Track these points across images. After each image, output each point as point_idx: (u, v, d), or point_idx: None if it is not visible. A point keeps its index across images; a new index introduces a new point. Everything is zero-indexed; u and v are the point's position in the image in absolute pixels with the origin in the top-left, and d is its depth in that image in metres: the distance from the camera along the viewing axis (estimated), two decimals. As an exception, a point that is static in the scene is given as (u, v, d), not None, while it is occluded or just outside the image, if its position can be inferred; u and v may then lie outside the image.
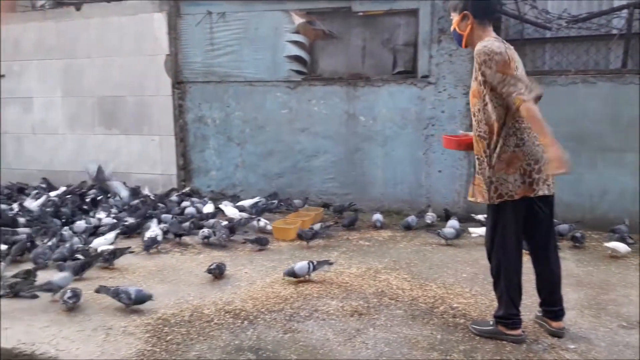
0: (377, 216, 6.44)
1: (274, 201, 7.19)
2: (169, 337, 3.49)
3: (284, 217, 6.71)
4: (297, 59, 7.52)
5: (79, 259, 4.90)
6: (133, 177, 8.37)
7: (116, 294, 3.92)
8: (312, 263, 4.56)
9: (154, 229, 5.59)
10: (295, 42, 7.46)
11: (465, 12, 3.37)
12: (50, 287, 4.10)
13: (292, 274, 4.52)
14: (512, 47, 3.30)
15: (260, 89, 7.71)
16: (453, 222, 6.00)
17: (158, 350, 3.31)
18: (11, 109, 8.95)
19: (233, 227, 5.99)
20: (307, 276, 4.56)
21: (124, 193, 7.56)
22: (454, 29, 3.48)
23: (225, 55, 7.79)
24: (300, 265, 4.54)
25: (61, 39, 8.50)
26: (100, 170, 7.81)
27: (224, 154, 8.03)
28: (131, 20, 8.07)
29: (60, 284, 4.10)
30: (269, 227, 6.18)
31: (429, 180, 7.00)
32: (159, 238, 5.47)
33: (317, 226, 5.96)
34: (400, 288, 4.40)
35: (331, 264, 4.79)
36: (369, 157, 7.23)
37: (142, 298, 3.91)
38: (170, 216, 6.46)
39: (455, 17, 3.46)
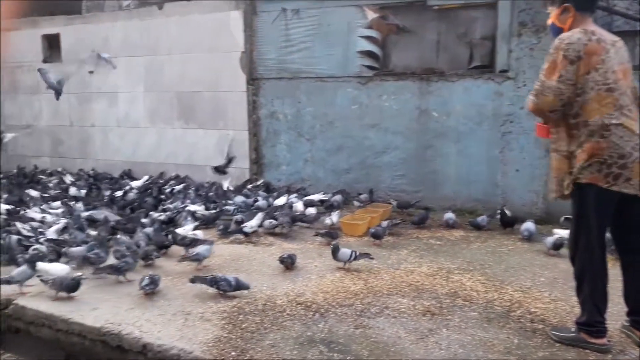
0: (449, 215, 6.28)
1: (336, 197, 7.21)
2: (243, 325, 3.60)
3: (352, 212, 6.70)
4: (369, 54, 7.47)
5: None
6: (209, 170, 8.67)
7: (214, 282, 4.08)
8: (355, 253, 4.75)
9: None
10: (368, 37, 7.42)
11: (566, 4, 3.21)
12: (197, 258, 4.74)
13: (335, 258, 4.78)
14: (609, 40, 3.12)
15: (331, 84, 7.74)
16: (528, 225, 5.76)
17: (234, 337, 3.42)
18: (99, 103, 9.55)
19: (294, 218, 6.15)
20: (347, 264, 4.78)
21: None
22: (552, 22, 3.33)
23: (298, 52, 7.88)
24: (343, 251, 4.76)
25: (144, 36, 8.95)
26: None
27: (294, 149, 8.15)
28: (209, 18, 8.36)
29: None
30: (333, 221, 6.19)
31: (505, 179, 6.74)
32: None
33: (384, 223, 5.91)
34: (475, 290, 4.27)
35: (372, 258, 4.86)
36: (441, 154, 7.07)
37: (242, 286, 4.11)
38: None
39: (553, 11, 3.31)
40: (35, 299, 4.08)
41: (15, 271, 4.27)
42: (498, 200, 6.77)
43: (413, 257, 5.14)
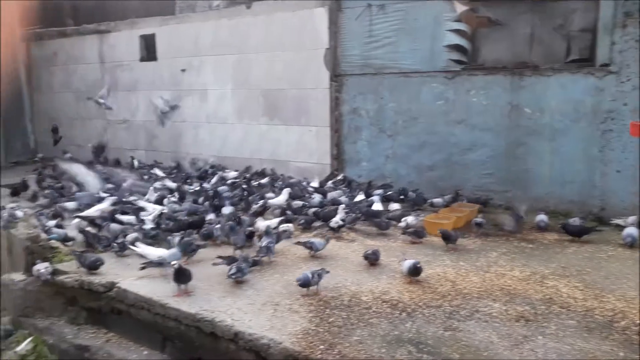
0: (542, 217, 5.95)
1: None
2: (330, 319, 3.63)
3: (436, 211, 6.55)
4: (457, 48, 7.24)
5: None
6: (291, 165, 8.85)
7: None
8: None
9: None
10: (456, 31, 7.19)
11: None
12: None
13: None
14: None
15: (415, 79, 7.59)
16: (631, 230, 5.33)
17: (321, 330, 3.46)
18: (190, 100, 10.02)
19: (373, 214, 6.16)
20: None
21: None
22: None
23: (383, 47, 7.80)
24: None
25: (233, 35, 9.26)
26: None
27: (376, 145, 8.09)
28: (294, 15, 8.49)
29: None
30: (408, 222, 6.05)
31: (604, 180, 6.28)
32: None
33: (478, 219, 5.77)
34: (572, 297, 4.02)
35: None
36: (534, 152, 6.72)
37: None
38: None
39: None
40: (136, 283, 4.35)
41: (167, 253, 4.55)
42: (595, 202, 6.33)
43: (504, 260, 4.93)
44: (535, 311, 3.76)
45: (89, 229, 5.52)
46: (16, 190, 7.94)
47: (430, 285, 4.29)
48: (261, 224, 5.79)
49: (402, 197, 7.12)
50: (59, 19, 12.54)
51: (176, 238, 5.09)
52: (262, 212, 6.40)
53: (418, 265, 4.31)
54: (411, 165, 7.74)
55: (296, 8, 8.46)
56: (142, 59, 10.50)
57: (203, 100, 9.85)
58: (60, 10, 12.94)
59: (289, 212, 6.45)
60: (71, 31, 11.65)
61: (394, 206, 6.67)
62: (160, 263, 4.44)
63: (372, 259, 4.71)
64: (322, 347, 3.25)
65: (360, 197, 7.04)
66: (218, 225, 5.56)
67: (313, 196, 7.12)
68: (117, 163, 10.30)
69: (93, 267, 4.59)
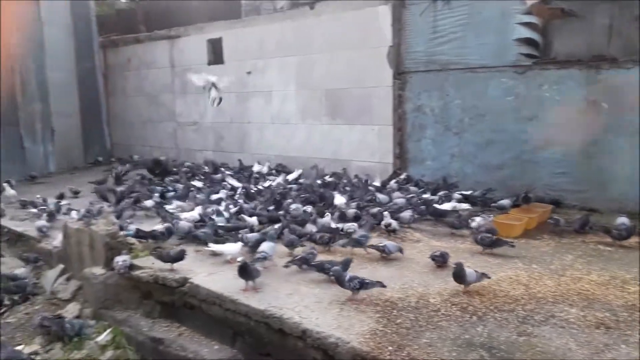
0: (622, 219, 5.58)
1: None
2: (398, 321, 3.59)
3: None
4: (527, 41, 6.96)
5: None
6: (353, 165, 8.84)
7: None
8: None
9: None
10: (527, 24, 6.91)
11: None
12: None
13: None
14: None
15: (482, 75, 7.37)
16: None
17: (389, 331, 3.43)
18: (255, 102, 10.25)
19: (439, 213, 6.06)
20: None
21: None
22: None
23: (448, 43, 7.63)
24: (470, 272, 4.12)
25: (297, 36, 9.38)
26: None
27: (441, 144, 7.92)
28: (357, 14, 8.47)
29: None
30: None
31: (691, 179, 5.83)
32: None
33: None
34: (658, 304, 3.76)
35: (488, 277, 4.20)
36: (613, 150, 6.33)
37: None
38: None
39: None
40: (207, 279, 4.50)
41: (265, 246, 4.72)
42: (684, 203, 5.88)
43: (580, 264, 4.68)
44: (617, 318, 3.55)
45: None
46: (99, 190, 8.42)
47: (501, 289, 4.14)
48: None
49: (466, 197, 6.92)
50: (133, 26, 13.23)
51: (271, 231, 5.26)
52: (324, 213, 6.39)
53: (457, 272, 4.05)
54: (478, 164, 7.53)
55: (359, 7, 8.44)
56: (210, 63, 10.86)
57: (267, 101, 10.04)
58: (134, 17, 13.65)
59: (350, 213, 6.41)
60: (144, 37, 12.25)
61: (462, 206, 6.49)
62: (264, 258, 4.58)
63: (439, 261, 4.61)
64: (390, 348, 3.22)
65: (429, 196, 6.93)
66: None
67: (378, 196, 7.06)
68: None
69: (178, 258, 4.76)
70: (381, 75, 8.32)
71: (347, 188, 7.66)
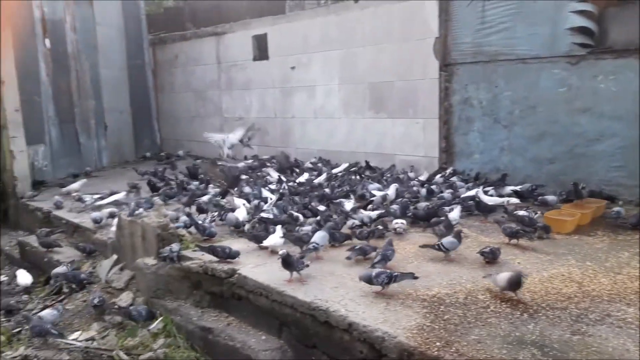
0: (685, 215, 5.31)
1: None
2: (446, 317, 3.54)
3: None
4: (581, 30, 6.68)
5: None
6: (397, 159, 8.77)
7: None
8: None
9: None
10: (581, 12, 6.63)
11: None
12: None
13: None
14: None
15: (533, 66, 7.14)
16: None
17: (437, 327, 3.39)
18: (299, 97, 10.31)
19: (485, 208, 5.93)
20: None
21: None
22: None
23: (497, 33, 7.42)
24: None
25: (340, 30, 9.35)
26: None
27: (489, 137, 7.74)
28: (402, 6, 8.36)
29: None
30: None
31: None
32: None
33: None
34: None
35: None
36: (674, 142, 6.02)
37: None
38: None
39: None
40: (254, 270, 4.58)
41: (317, 236, 4.80)
42: None
43: (637, 261, 4.48)
44: (680, 319, 3.38)
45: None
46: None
47: (553, 286, 4.01)
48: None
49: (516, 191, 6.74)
50: (180, 23, 13.55)
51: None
52: (365, 206, 6.37)
53: (517, 278, 3.74)
54: (529, 158, 7.31)
55: (405, -1, 8.33)
56: (255, 58, 10.99)
57: (311, 96, 10.08)
58: (182, 15, 13.98)
59: (393, 208, 6.33)
60: (191, 34, 12.52)
61: (512, 200, 6.34)
62: (315, 248, 4.68)
63: (489, 257, 4.51)
64: (438, 344, 3.18)
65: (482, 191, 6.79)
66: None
67: (421, 191, 6.97)
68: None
69: (233, 256, 4.86)
70: (427, 67, 8.19)
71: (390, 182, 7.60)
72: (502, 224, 5.26)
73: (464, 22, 7.71)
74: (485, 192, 6.59)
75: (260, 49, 10.87)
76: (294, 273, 4.27)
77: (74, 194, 8.05)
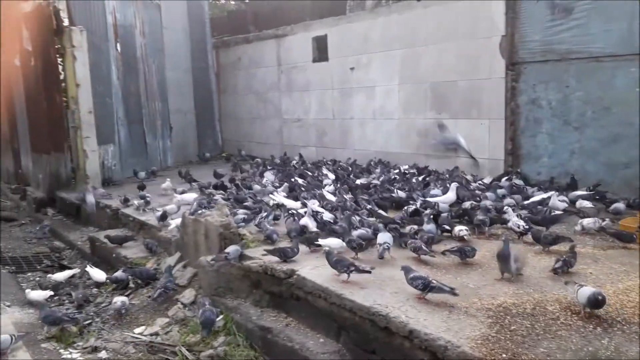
0: None
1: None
2: (512, 327, 3.38)
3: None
4: (663, 26, 6.24)
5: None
6: (459, 161, 8.54)
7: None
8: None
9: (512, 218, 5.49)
10: (663, 6, 6.19)
11: None
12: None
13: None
14: None
15: (609, 64, 6.75)
16: None
17: (502, 338, 3.25)
18: (358, 97, 10.26)
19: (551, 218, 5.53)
20: None
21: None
22: None
23: (568, 31, 7.07)
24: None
25: (402, 30, 9.22)
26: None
27: (559, 139, 7.38)
28: (467, 4, 8.13)
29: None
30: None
31: None
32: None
33: None
34: None
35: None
36: None
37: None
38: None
39: None
40: (313, 272, 4.58)
41: (384, 237, 4.86)
42: None
43: None
44: None
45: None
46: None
47: (630, 299, 3.75)
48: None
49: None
50: (243, 26, 13.86)
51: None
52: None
53: (600, 297, 3.45)
54: (602, 162, 6.91)
55: (470, -4, 8.09)
56: (314, 60, 11.05)
57: (370, 97, 10.00)
58: (245, 18, 14.30)
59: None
60: (253, 37, 12.77)
61: (584, 204, 6.00)
62: (387, 248, 4.73)
63: (563, 269, 4.25)
64: (504, 356, 3.04)
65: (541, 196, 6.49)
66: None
67: (487, 195, 6.71)
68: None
69: (293, 255, 4.90)
70: (492, 66, 7.92)
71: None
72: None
73: (533, 19, 7.39)
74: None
75: (320, 50, 10.92)
76: (344, 274, 4.27)
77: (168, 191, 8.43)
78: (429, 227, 5.35)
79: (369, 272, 4.27)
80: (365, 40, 9.86)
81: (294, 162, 10.38)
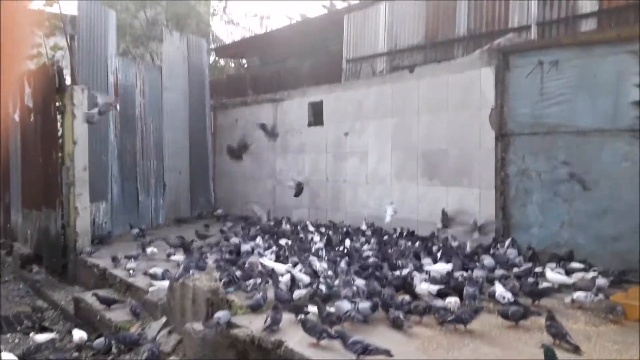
0: None
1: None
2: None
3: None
4: (646, 104, 6.48)
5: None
6: (451, 229, 8.54)
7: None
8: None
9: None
10: (645, 86, 6.45)
11: None
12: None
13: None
14: None
15: (595, 139, 6.94)
16: None
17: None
18: (351, 161, 10.42)
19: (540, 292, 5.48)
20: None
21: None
22: None
23: (556, 105, 7.31)
24: None
25: (395, 99, 9.51)
26: None
27: (549, 210, 7.45)
28: (458, 77, 8.44)
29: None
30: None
31: None
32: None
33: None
34: None
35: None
36: None
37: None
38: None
39: None
40: (301, 343, 4.47)
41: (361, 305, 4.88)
42: None
43: None
44: None
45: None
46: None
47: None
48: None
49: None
50: (242, 89, 14.24)
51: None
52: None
53: None
54: (592, 235, 6.95)
55: (461, 70, 8.42)
56: (310, 124, 11.29)
57: (363, 161, 10.16)
58: (243, 82, 14.71)
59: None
60: (251, 100, 13.09)
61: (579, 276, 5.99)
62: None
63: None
64: None
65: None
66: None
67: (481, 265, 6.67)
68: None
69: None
70: (482, 137, 8.12)
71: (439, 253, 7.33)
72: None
73: (522, 93, 7.66)
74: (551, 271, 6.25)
75: (316, 115, 11.19)
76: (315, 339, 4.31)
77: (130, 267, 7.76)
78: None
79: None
80: (360, 107, 10.14)
81: (284, 223, 10.32)
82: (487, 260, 6.73)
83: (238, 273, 6.18)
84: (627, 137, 6.62)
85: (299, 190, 10.57)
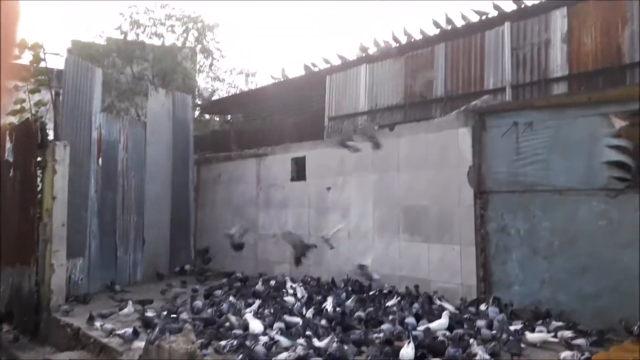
0: None
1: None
2: None
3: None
4: (618, 164, 6.69)
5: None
6: (433, 285, 8.51)
7: None
8: None
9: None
10: (616, 147, 6.69)
11: None
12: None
13: None
14: None
15: (571, 198, 7.09)
16: None
17: None
18: (333, 216, 10.44)
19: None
20: None
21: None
22: None
23: (532, 165, 7.51)
24: None
25: (376, 156, 9.64)
26: None
27: (529, 268, 7.49)
28: (437, 136, 8.67)
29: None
30: None
31: None
32: None
33: None
34: None
35: None
36: None
37: None
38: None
39: None
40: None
41: None
42: None
43: None
44: None
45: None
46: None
47: None
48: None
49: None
50: (226, 145, 14.36)
51: None
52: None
53: None
54: (572, 293, 6.97)
55: (439, 129, 8.66)
56: (292, 179, 11.38)
57: (345, 216, 10.19)
58: (228, 137, 14.86)
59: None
60: (235, 155, 13.18)
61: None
62: None
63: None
64: None
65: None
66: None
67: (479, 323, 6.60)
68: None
69: None
70: (462, 194, 8.25)
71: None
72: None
73: (498, 152, 7.87)
74: (533, 329, 6.22)
75: (299, 170, 11.29)
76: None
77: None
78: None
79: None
80: (342, 163, 10.27)
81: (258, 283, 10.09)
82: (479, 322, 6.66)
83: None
84: (601, 196, 6.78)
85: (237, 246, 10.56)
